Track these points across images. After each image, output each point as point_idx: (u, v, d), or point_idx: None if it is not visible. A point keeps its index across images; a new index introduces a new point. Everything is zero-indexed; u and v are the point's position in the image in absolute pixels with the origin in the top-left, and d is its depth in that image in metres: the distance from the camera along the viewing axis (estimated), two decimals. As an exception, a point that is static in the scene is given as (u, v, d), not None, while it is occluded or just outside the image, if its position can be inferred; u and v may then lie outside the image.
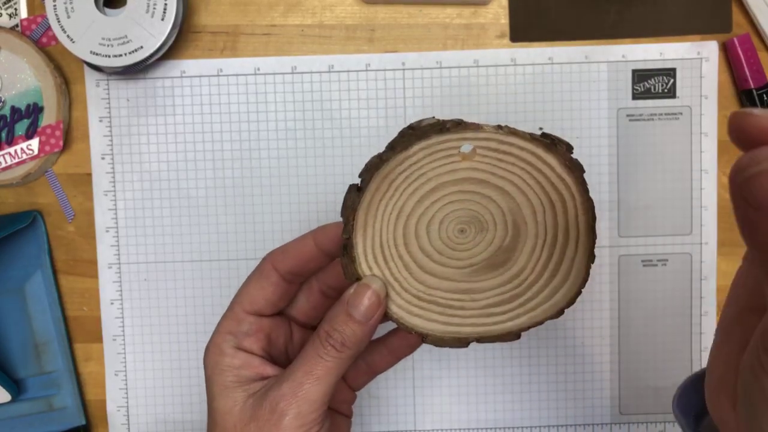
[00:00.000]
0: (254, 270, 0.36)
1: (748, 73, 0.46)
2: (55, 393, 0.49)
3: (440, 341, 0.32)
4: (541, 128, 0.31)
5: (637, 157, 0.48)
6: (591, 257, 0.31)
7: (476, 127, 0.29)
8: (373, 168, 0.30)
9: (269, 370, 0.34)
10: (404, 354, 0.38)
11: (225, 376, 0.34)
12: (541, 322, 0.32)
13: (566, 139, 0.30)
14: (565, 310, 0.31)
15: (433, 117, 0.30)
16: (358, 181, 0.31)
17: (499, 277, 0.31)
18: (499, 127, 0.30)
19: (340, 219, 0.31)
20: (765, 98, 0.46)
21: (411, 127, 0.30)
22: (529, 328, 0.32)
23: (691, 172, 0.48)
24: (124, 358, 0.48)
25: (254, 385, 0.34)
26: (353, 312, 0.32)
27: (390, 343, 0.38)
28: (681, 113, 0.48)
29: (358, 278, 0.31)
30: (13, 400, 0.47)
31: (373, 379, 0.40)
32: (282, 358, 0.37)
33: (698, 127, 0.48)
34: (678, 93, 0.48)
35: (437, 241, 0.31)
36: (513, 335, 0.32)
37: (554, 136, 0.30)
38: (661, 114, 0.48)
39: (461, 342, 0.32)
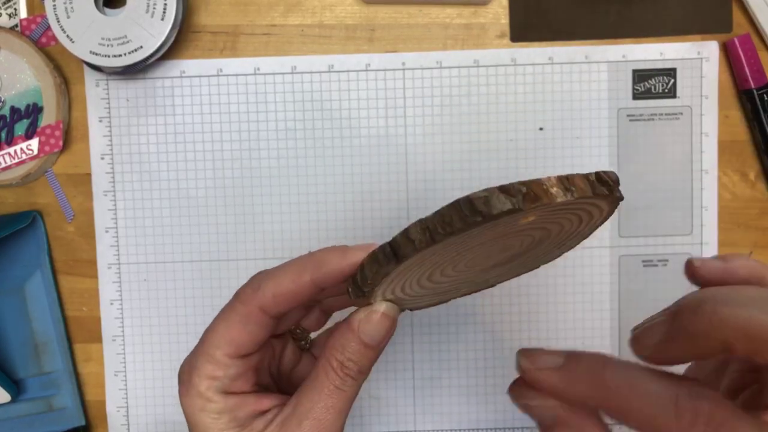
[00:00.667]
0: (233, 310, 0.31)
1: (748, 72, 0.46)
2: (55, 393, 0.49)
3: (418, 307, 0.31)
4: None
5: (637, 158, 0.48)
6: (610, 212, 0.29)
7: (549, 198, 0.24)
8: (420, 248, 0.25)
9: (265, 402, 0.31)
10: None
11: (219, 424, 0.30)
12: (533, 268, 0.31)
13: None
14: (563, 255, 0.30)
15: (497, 192, 0.24)
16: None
17: (506, 264, 0.30)
18: (567, 189, 0.25)
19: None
20: (765, 98, 0.46)
21: (480, 213, 0.24)
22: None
23: (691, 172, 0.48)
24: (124, 358, 0.48)
25: (255, 424, 0.31)
26: (366, 338, 0.29)
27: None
28: (681, 113, 0.48)
29: (368, 303, 0.30)
30: (13, 401, 0.47)
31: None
32: (268, 379, 0.34)
33: (698, 127, 0.48)
34: (678, 93, 0.48)
35: (462, 268, 0.29)
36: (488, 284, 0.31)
37: (611, 184, 0.26)
38: (661, 114, 0.48)
39: (441, 302, 0.31)
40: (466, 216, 0.24)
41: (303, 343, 0.36)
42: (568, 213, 0.27)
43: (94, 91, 0.47)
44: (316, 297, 0.32)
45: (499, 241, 0.27)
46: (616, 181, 0.26)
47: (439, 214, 0.25)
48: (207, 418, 0.30)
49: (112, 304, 0.48)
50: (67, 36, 0.43)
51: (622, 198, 0.27)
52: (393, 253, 0.26)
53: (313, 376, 0.30)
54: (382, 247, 0.27)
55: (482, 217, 0.24)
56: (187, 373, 0.31)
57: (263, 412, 0.31)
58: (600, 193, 0.25)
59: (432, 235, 0.25)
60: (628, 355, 0.29)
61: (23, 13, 0.47)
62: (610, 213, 0.29)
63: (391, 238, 0.26)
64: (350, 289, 0.29)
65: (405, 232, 0.26)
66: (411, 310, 0.32)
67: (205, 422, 0.30)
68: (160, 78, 0.47)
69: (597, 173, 0.26)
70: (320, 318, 0.35)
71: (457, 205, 0.25)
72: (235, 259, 0.48)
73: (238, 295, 0.31)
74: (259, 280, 0.31)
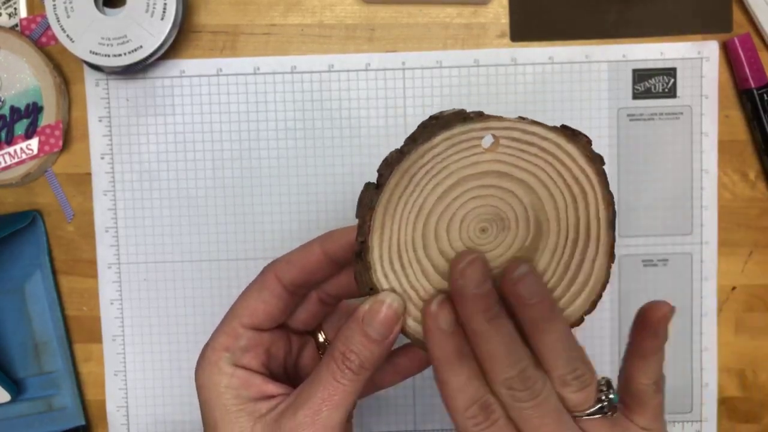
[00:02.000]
0: (254, 281, 0.33)
1: (748, 72, 0.46)
2: (55, 393, 0.49)
3: None
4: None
5: (637, 157, 0.48)
6: (611, 257, 0.29)
7: (498, 117, 0.28)
8: (393, 162, 0.28)
9: (272, 388, 0.32)
10: (412, 373, 0.36)
11: (224, 398, 0.31)
12: None
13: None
14: (585, 318, 0.30)
15: (454, 108, 0.29)
16: (366, 180, 0.29)
17: None
18: (522, 118, 0.29)
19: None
20: (765, 98, 0.46)
21: (433, 117, 0.28)
22: None
23: (691, 172, 0.48)
24: (124, 358, 0.48)
25: (258, 406, 0.31)
26: (370, 330, 0.29)
27: (396, 363, 0.35)
28: (681, 113, 0.48)
29: (372, 288, 0.29)
30: (13, 400, 0.47)
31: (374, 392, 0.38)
32: (280, 372, 0.35)
33: (698, 127, 0.48)
34: (678, 93, 0.48)
35: (458, 241, 0.29)
36: None
37: (574, 128, 0.29)
38: (661, 114, 0.48)
39: None
40: (424, 124, 0.28)
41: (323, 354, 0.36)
42: (547, 164, 0.29)
43: (94, 90, 0.47)
44: (329, 273, 0.33)
45: (483, 191, 0.29)
46: (583, 134, 0.29)
47: (410, 133, 0.28)
48: (213, 392, 0.31)
49: (112, 303, 0.48)
50: (67, 36, 0.43)
51: (600, 158, 0.29)
52: (374, 185, 0.28)
53: (317, 368, 0.31)
54: (367, 184, 0.29)
55: (435, 119, 0.28)
56: (204, 349, 0.33)
57: (269, 397, 0.31)
58: (559, 130, 0.28)
59: (401, 149, 0.28)
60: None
61: (23, 13, 0.47)
62: (606, 196, 0.29)
63: None
64: (355, 263, 0.29)
65: (384, 160, 0.28)
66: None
67: (211, 396, 0.31)
68: (160, 78, 0.47)
69: (564, 125, 0.29)
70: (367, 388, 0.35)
71: (421, 122, 0.28)
72: (235, 259, 0.48)
73: (261, 271, 0.33)
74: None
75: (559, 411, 0.28)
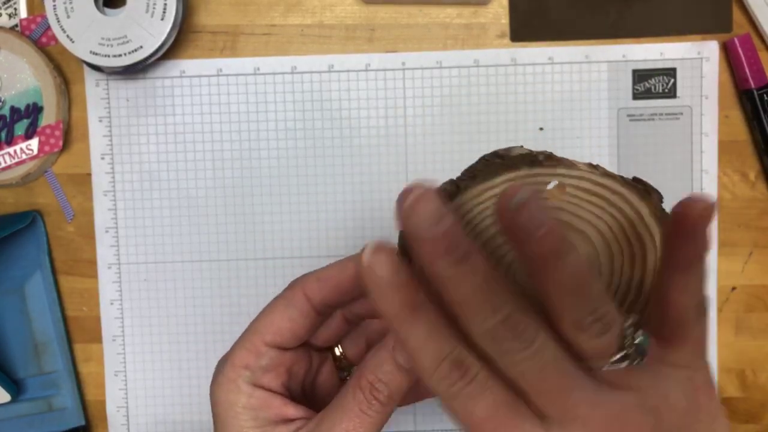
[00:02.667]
0: (280, 297, 0.31)
1: (748, 72, 0.46)
2: (55, 393, 0.49)
3: None
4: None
5: (637, 157, 0.48)
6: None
7: (570, 164, 0.26)
8: (446, 196, 0.26)
9: (291, 411, 0.30)
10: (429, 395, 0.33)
11: (241, 419, 0.29)
12: None
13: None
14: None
15: (522, 146, 0.27)
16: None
17: None
18: (593, 166, 0.26)
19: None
20: (765, 98, 0.46)
21: (498, 155, 0.26)
22: None
23: (691, 172, 0.48)
24: (124, 358, 0.48)
25: (277, 430, 0.29)
26: (401, 359, 0.27)
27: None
28: (681, 113, 0.48)
29: None
30: (13, 401, 0.47)
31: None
32: (298, 390, 0.33)
33: (698, 127, 0.48)
34: (678, 93, 0.48)
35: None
36: None
37: (647, 183, 0.27)
38: (661, 114, 0.48)
39: None
40: (486, 159, 0.26)
41: (345, 374, 0.35)
42: (612, 219, 0.26)
43: (94, 91, 0.47)
44: (362, 292, 0.30)
45: None
46: (656, 191, 0.26)
47: (469, 166, 0.26)
48: (230, 411, 0.30)
49: (112, 304, 0.48)
50: (67, 36, 0.43)
51: (668, 217, 0.26)
52: None
53: (342, 394, 0.29)
54: None
55: (499, 158, 0.25)
56: (221, 363, 0.31)
57: (288, 421, 0.30)
58: (631, 185, 0.26)
59: (457, 182, 0.26)
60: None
61: (23, 13, 0.47)
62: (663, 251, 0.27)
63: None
64: None
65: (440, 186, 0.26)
66: None
67: (228, 416, 0.30)
68: (160, 78, 0.47)
69: (636, 177, 0.26)
70: (364, 349, 0.34)
71: (483, 156, 0.26)
72: (235, 259, 0.48)
73: (288, 286, 0.31)
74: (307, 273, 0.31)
75: (562, 360, 0.23)
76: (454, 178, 0.26)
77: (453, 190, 0.26)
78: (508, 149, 0.26)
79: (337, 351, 0.35)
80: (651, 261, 0.27)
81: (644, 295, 0.27)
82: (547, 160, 0.25)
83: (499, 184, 0.25)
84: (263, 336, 0.31)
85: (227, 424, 0.30)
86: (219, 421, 0.30)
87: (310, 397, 0.34)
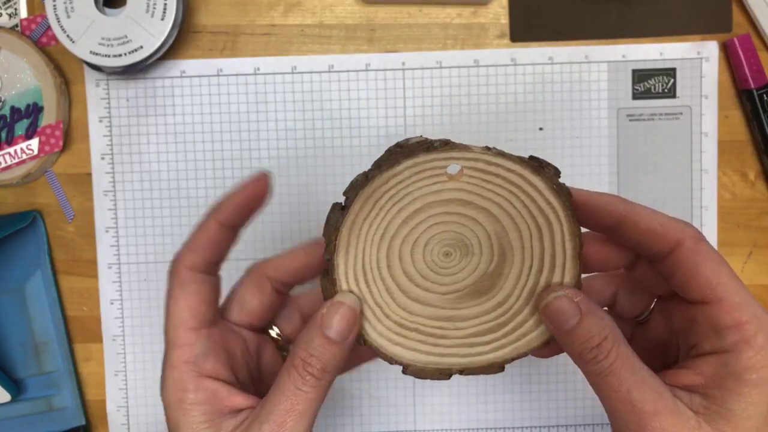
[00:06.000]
0: (172, 287, 0.32)
1: (748, 73, 0.46)
2: (55, 393, 0.49)
3: (421, 372, 0.31)
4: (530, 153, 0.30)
5: (637, 157, 0.48)
6: (578, 285, 0.30)
7: (464, 147, 0.29)
8: (358, 186, 0.29)
9: (239, 400, 0.30)
10: (353, 366, 0.35)
11: (191, 417, 0.29)
12: (525, 354, 0.30)
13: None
14: (551, 342, 0.30)
15: (421, 135, 0.30)
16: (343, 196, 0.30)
17: (483, 305, 0.30)
18: (487, 148, 0.29)
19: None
20: (765, 98, 0.46)
21: (398, 145, 0.29)
22: (513, 359, 0.30)
23: (691, 172, 0.48)
24: (124, 358, 0.48)
25: (227, 424, 0.30)
26: (329, 332, 0.29)
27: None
28: (681, 113, 0.48)
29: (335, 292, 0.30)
30: (13, 400, 0.47)
31: None
32: (246, 378, 0.33)
33: (698, 127, 0.48)
34: (678, 93, 0.48)
35: (421, 263, 0.30)
36: (497, 367, 0.31)
37: (542, 159, 0.29)
38: (661, 114, 0.48)
39: (443, 374, 0.31)
40: (389, 150, 0.29)
41: (285, 353, 0.35)
42: (511, 195, 0.29)
43: (94, 91, 0.47)
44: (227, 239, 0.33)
45: (446, 218, 0.30)
46: (550, 165, 0.29)
47: (377, 159, 0.29)
48: (179, 411, 0.30)
49: (112, 303, 0.48)
50: (68, 36, 0.44)
51: (567, 190, 0.29)
52: (341, 206, 0.30)
53: (278, 375, 0.30)
54: (333, 205, 0.30)
55: (399, 147, 0.29)
56: (162, 370, 0.31)
57: (237, 411, 0.30)
58: (525, 162, 0.28)
59: (366, 173, 0.29)
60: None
61: (23, 13, 0.47)
62: (572, 228, 0.29)
63: None
64: (322, 278, 0.30)
65: (350, 183, 0.29)
66: (414, 376, 0.31)
67: (178, 416, 0.30)
68: (160, 78, 0.47)
69: (531, 155, 0.29)
70: (300, 325, 0.35)
71: (387, 148, 0.30)
72: (235, 259, 0.48)
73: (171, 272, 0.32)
74: None
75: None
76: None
77: (363, 180, 0.29)
78: (407, 139, 0.30)
79: (273, 333, 0.35)
80: (558, 234, 0.29)
81: (558, 269, 0.30)
82: (443, 146, 0.28)
83: (401, 170, 0.29)
84: (185, 324, 0.31)
85: (180, 424, 0.30)
86: (172, 424, 0.30)
87: (258, 383, 0.34)
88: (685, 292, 0.29)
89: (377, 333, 0.30)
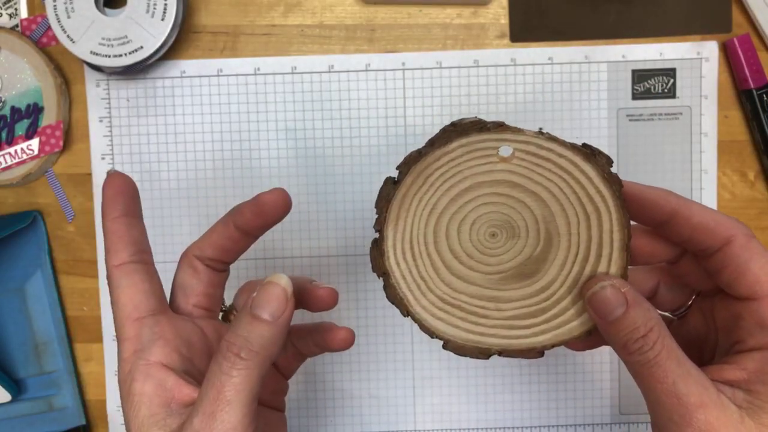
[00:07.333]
0: (117, 281, 0.31)
1: (748, 73, 0.46)
2: (55, 393, 0.49)
3: (461, 349, 0.31)
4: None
5: (637, 157, 0.48)
6: (624, 277, 0.29)
7: (516, 130, 0.29)
8: (411, 161, 0.30)
9: (188, 391, 0.29)
10: (337, 349, 0.36)
11: (140, 411, 0.28)
12: (565, 342, 0.30)
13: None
14: (592, 332, 0.30)
15: (476, 117, 0.30)
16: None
17: (526, 288, 0.30)
18: (540, 132, 0.29)
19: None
20: (765, 98, 0.47)
21: (453, 124, 0.30)
22: (553, 346, 0.30)
23: (691, 172, 0.48)
24: (124, 358, 0.48)
25: (169, 422, 0.28)
26: (257, 311, 0.28)
27: (318, 340, 0.35)
28: (681, 113, 0.48)
29: (385, 273, 0.30)
30: (13, 400, 0.47)
31: (302, 363, 0.37)
32: (203, 370, 0.31)
33: (698, 127, 0.48)
34: (678, 93, 0.48)
35: (467, 242, 0.30)
36: (536, 353, 0.30)
37: (594, 147, 0.29)
38: (661, 114, 0.48)
39: (482, 353, 0.31)
40: (444, 129, 0.30)
41: None
42: (561, 180, 0.29)
43: (94, 91, 0.47)
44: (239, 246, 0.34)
45: (495, 198, 0.30)
46: (603, 154, 0.29)
47: (430, 138, 0.30)
48: (128, 402, 0.29)
49: (112, 303, 0.48)
50: (68, 36, 0.44)
51: (618, 180, 0.29)
52: (393, 180, 0.30)
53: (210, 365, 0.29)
54: (387, 179, 0.30)
55: (453, 126, 0.29)
56: (121, 360, 0.30)
57: (186, 405, 0.29)
58: (577, 148, 0.28)
59: (420, 150, 0.30)
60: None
61: (24, 13, 0.47)
62: (621, 218, 0.29)
63: None
64: (371, 249, 0.31)
65: (404, 158, 0.30)
66: (454, 351, 0.31)
67: (127, 409, 0.29)
68: (160, 78, 0.47)
69: (584, 143, 0.29)
70: (295, 358, 0.36)
71: (442, 127, 0.30)
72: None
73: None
74: None
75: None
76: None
77: (416, 156, 0.30)
78: (462, 119, 0.30)
79: (234, 318, 0.35)
80: (606, 223, 0.29)
81: (605, 259, 0.29)
82: (496, 127, 0.29)
83: (454, 149, 0.29)
84: (129, 317, 0.30)
85: (129, 419, 0.29)
86: (125, 419, 0.29)
87: None
88: (733, 288, 0.29)
89: (420, 306, 0.31)
